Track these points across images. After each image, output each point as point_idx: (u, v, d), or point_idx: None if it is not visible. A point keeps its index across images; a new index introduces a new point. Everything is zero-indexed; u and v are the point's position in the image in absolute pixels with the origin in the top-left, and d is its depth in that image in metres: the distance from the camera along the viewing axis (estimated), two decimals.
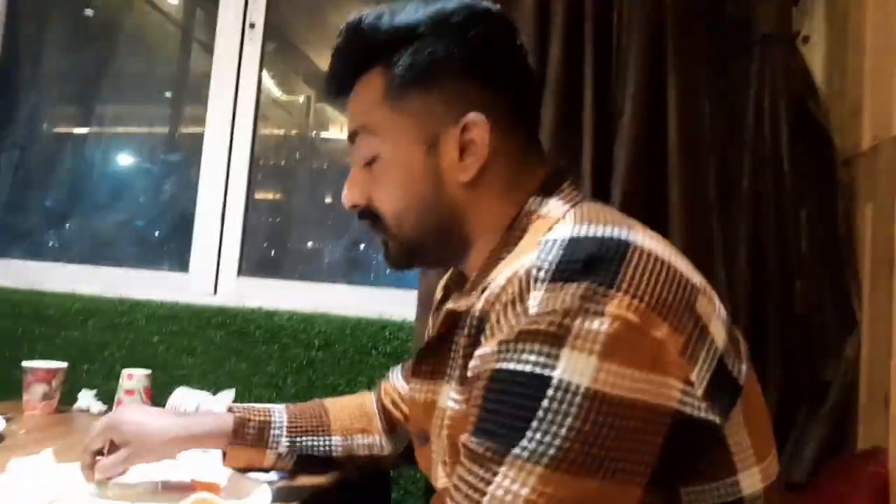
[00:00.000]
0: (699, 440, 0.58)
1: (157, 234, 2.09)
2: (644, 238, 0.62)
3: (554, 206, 0.71)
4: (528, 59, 0.78)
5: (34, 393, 1.47)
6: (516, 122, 0.75)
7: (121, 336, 1.70)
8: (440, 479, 0.73)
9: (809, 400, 1.28)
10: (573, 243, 0.60)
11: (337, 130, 2.22)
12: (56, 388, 1.50)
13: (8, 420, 1.31)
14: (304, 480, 1.10)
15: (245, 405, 1.01)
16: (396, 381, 1.07)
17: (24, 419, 1.42)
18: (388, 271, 1.99)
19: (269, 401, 1.58)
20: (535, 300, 0.57)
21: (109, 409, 1.51)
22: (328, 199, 2.12)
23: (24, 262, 1.91)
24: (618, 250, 0.59)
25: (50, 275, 1.85)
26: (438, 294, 0.93)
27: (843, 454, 1.21)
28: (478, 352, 0.61)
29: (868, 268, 1.29)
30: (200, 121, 1.88)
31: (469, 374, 0.62)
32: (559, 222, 0.67)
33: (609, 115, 1.42)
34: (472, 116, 0.72)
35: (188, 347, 1.67)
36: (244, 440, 0.97)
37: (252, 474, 1.02)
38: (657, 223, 1.34)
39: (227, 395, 1.53)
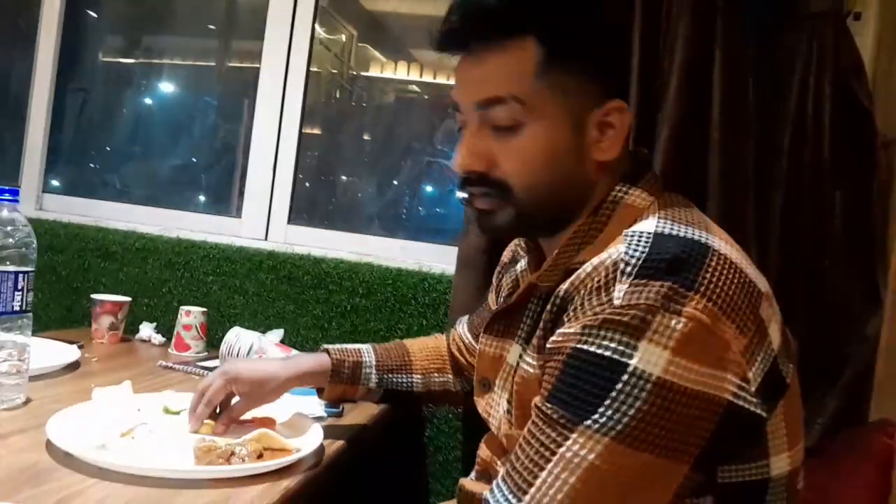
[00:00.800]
0: (744, 429, 0.66)
1: (210, 175, 2.18)
2: (721, 243, 0.69)
3: (638, 197, 0.77)
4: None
5: (102, 323, 1.60)
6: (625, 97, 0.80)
7: (177, 274, 1.82)
8: (502, 426, 0.83)
9: (827, 373, 1.33)
10: (658, 241, 0.67)
11: (377, 70, 2.25)
12: (121, 319, 1.63)
13: (80, 347, 1.43)
14: (350, 419, 1.21)
15: (336, 346, 1.12)
16: (463, 331, 1.17)
17: (94, 347, 1.55)
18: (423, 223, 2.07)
19: (315, 342, 1.70)
20: (621, 292, 0.64)
21: (169, 340, 1.63)
22: (366, 137, 2.17)
23: (90, 201, 2.02)
24: (699, 254, 0.65)
25: (113, 213, 1.96)
26: (507, 257, 1.01)
27: (854, 426, 1.27)
28: (560, 329, 0.68)
29: None
30: (248, 55, 1.91)
31: (549, 346, 0.69)
32: (644, 214, 0.74)
33: (654, 86, 1.44)
34: (617, 102, 0.76)
35: (240, 288, 1.78)
36: (341, 378, 1.09)
37: (305, 413, 1.13)
38: (695, 195, 1.40)
39: (276, 334, 1.64)
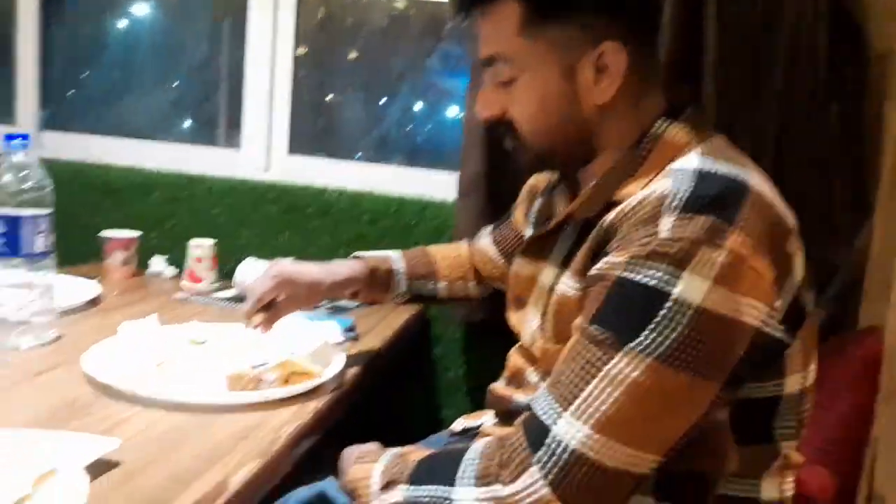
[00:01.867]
0: (769, 353, 0.72)
1: (195, 105, 2.15)
2: (757, 179, 0.73)
3: (679, 133, 0.80)
4: None
5: (115, 258, 1.64)
6: (643, 46, 0.81)
7: (183, 207, 1.84)
8: (537, 340, 0.89)
9: (818, 281, 1.39)
10: (702, 178, 0.71)
11: None
12: (133, 254, 1.67)
13: (99, 282, 1.47)
14: (365, 344, 1.27)
15: (369, 253, 1.21)
16: (486, 244, 1.25)
17: (110, 282, 1.60)
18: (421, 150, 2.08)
19: None
20: (667, 225, 0.68)
21: (180, 273, 1.67)
22: (355, 55, 2.14)
23: (89, 137, 2.02)
24: (738, 191, 0.70)
25: (113, 149, 1.96)
26: (539, 181, 1.08)
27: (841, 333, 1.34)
28: (606, 258, 0.72)
29: (889, 164, 1.36)
30: None
31: (593, 272, 0.74)
32: (686, 150, 0.77)
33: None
34: (609, 44, 0.78)
35: (245, 220, 1.81)
36: (376, 285, 1.17)
37: (325, 339, 1.19)
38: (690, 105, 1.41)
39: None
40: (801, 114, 1.44)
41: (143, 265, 1.75)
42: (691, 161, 0.74)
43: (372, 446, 0.93)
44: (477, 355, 1.71)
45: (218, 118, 2.05)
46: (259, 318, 1.07)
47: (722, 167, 0.73)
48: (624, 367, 0.67)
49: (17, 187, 1.07)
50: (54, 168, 1.87)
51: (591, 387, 0.68)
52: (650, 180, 0.76)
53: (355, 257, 1.19)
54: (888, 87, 1.39)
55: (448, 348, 1.72)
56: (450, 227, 1.64)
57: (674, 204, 0.69)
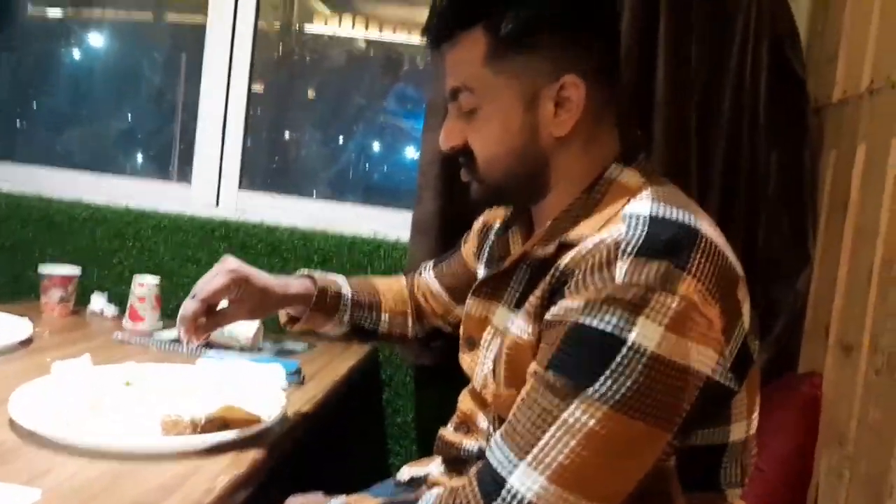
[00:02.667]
0: (718, 401, 0.72)
1: (148, 138, 2.12)
2: (707, 227, 0.74)
3: (631, 177, 0.81)
4: (617, 16, 0.86)
5: (52, 296, 1.58)
6: (602, 87, 0.82)
7: (128, 244, 1.79)
8: (488, 384, 0.87)
9: (760, 326, 1.42)
10: (655, 223, 0.72)
11: (321, 24, 2.19)
12: (71, 292, 1.61)
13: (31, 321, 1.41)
14: (311, 388, 1.24)
15: (317, 272, 1.11)
16: (429, 277, 1.19)
17: (45, 321, 1.53)
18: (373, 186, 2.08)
19: None
20: (622, 270, 0.68)
21: (122, 312, 1.62)
22: (311, 95, 2.13)
23: (31, 168, 1.95)
24: (691, 237, 0.71)
25: (56, 181, 1.90)
26: (488, 218, 1.06)
27: (783, 376, 1.37)
28: (562, 302, 0.72)
29: (826, 210, 1.41)
30: (186, 8, 1.84)
31: (548, 317, 0.74)
32: (638, 195, 0.78)
33: None
34: (570, 77, 0.78)
35: (193, 257, 1.77)
36: (322, 307, 1.08)
37: (267, 382, 1.15)
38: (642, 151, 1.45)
39: None
40: (744, 160, 1.48)
41: (85, 302, 1.69)
42: (644, 206, 0.75)
43: (315, 497, 0.90)
44: (427, 399, 1.69)
45: (172, 153, 2.02)
46: (201, 321, 0.96)
47: (674, 213, 0.74)
48: (581, 415, 0.67)
49: None
50: None
51: (547, 436, 0.68)
52: (605, 224, 0.76)
53: (304, 274, 1.11)
54: (826, 137, 1.44)
55: (397, 392, 1.69)
56: (402, 268, 1.63)
57: (628, 249, 0.70)
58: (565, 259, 0.76)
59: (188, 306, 0.96)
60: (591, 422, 0.66)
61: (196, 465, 0.85)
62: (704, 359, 0.68)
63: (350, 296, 1.13)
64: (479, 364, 0.91)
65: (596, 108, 0.81)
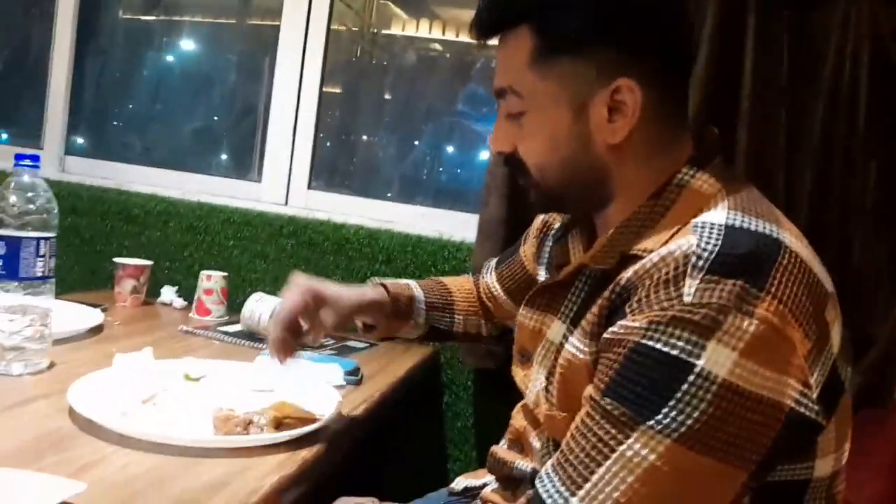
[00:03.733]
0: (803, 436, 0.64)
1: (231, 136, 2.16)
2: (791, 238, 0.66)
3: (705, 182, 0.73)
4: (686, 23, 0.79)
5: (124, 287, 1.62)
6: (665, 89, 0.75)
7: (199, 238, 1.82)
8: (541, 403, 0.81)
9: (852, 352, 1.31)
10: (731, 235, 0.64)
11: (399, 28, 2.19)
12: (143, 283, 1.64)
13: (103, 310, 1.45)
14: (369, 387, 1.21)
15: (388, 280, 1.10)
16: (492, 281, 1.15)
17: (117, 310, 1.57)
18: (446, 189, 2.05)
19: None
20: (692, 288, 0.61)
21: (190, 304, 1.65)
22: (387, 96, 2.13)
23: (112, 164, 2.03)
24: (771, 251, 0.63)
25: (135, 176, 1.97)
26: (552, 220, 0.99)
27: (877, 406, 1.26)
28: (622, 321, 0.65)
29: None
30: (268, 13, 1.87)
31: (607, 335, 0.67)
32: (713, 202, 0.70)
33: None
34: (624, 81, 0.71)
35: (260, 253, 1.78)
36: (397, 312, 1.07)
37: (325, 381, 1.13)
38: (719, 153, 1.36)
39: None
40: (837, 171, 1.38)
41: (156, 294, 1.73)
42: (718, 215, 0.67)
43: (367, 501, 0.87)
44: (488, 406, 1.64)
45: (252, 151, 2.05)
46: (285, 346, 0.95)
47: (752, 222, 0.66)
48: (640, 449, 0.60)
49: (21, 209, 1.05)
50: (76, 192, 1.89)
51: (602, 469, 0.61)
52: (672, 235, 0.69)
53: (376, 283, 1.08)
54: None
55: (458, 396, 1.65)
56: (466, 269, 1.59)
57: (699, 264, 0.62)
58: (628, 273, 0.68)
59: (271, 333, 0.97)
60: (653, 456, 0.60)
61: (246, 463, 0.83)
62: (786, 388, 0.60)
63: (423, 298, 1.11)
64: (532, 380, 0.84)
65: (658, 110, 0.74)
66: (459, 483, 1.05)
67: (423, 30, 2.12)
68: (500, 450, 0.93)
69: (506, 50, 0.78)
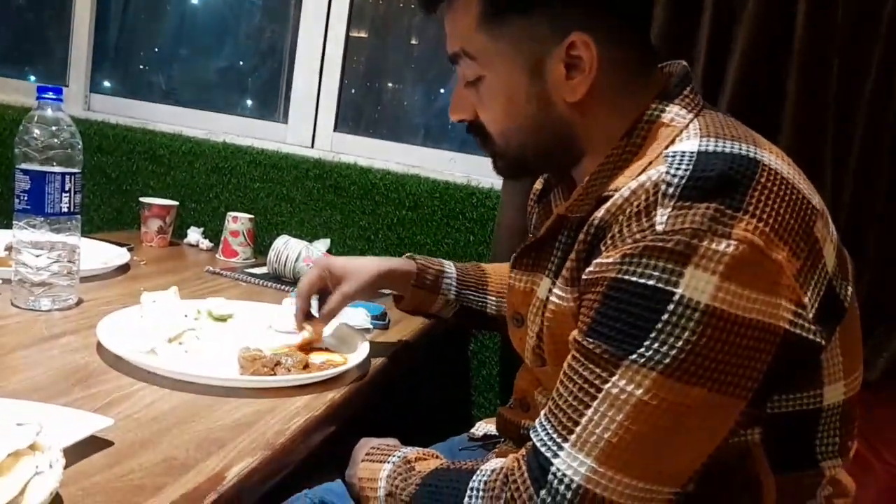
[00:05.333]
0: (801, 359, 0.61)
1: (256, 78, 2.13)
2: (771, 157, 0.62)
3: (676, 114, 0.70)
4: None
5: (151, 226, 1.61)
6: (623, 33, 0.72)
7: (224, 179, 1.80)
8: (536, 363, 0.80)
9: (892, 314, 1.27)
10: (703, 158, 0.61)
11: None
12: (170, 223, 1.64)
13: (130, 249, 1.44)
14: (395, 332, 1.20)
15: (420, 256, 1.10)
16: None
17: (143, 250, 1.57)
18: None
19: (361, 253, 1.69)
20: (663, 216, 0.59)
21: (216, 246, 1.64)
22: (414, 41, 2.08)
23: (137, 102, 2.00)
24: (747, 169, 0.60)
25: (160, 115, 1.94)
26: (539, 185, 0.95)
27: None
28: (597, 259, 0.63)
29: None
30: None
31: (585, 277, 0.65)
32: (684, 132, 0.67)
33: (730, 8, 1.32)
34: (576, 36, 0.69)
35: (286, 196, 1.76)
36: (423, 284, 1.07)
37: (352, 324, 1.12)
38: (769, 121, 1.30)
39: (323, 243, 1.64)
40: (886, 158, 1.30)
41: (182, 235, 1.72)
42: (691, 143, 0.63)
43: (389, 442, 0.86)
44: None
45: (278, 93, 2.01)
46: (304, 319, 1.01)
47: (727, 144, 0.62)
48: (626, 385, 0.58)
49: (45, 143, 1.03)
50: (101, 131, 1.88)
51: (590, 412, 0.60)
52: (644, 169, 0.65)
53: (407, 256, 1.09)
54: None
55: (484, 344, 1.64)
56: (495, 216, 1.56)
57: (669, 191, 0.59)
58: (600, 212, 0.66)
59: (298, 303, 1.01)
60: (639, 391, 0.58)
61: (273, 403, 0.82)
62: (778, 310, 0.58)
63: (454, 275, 1.09)
64: (528, 341, 0.82)
65: (617, 60, 0.71)
66: (480, 428, 1.04)
67: None
68: (507, 411, 0.92)
69: (454, 13, 0.75)
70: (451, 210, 1.63)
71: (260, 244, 1.66)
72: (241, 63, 2.17)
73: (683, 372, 0.57)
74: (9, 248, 1.16)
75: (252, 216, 1.62)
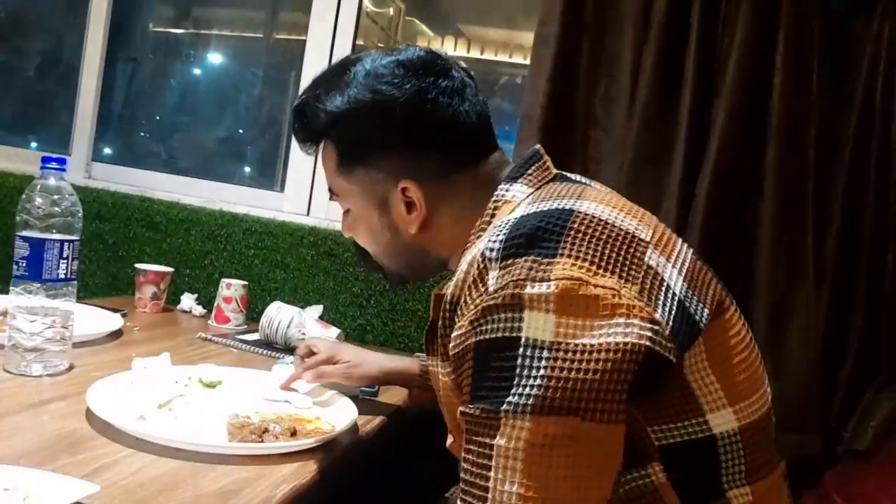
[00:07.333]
0: (657, 379, 0.63)
1: (255, 148, 2.18)
2: (589, 204, 0.69)
3: (518, 190, 0.78)
4: (464, 92, 0.82)
5: (145, 292, 1.63)
6: (452, 164, 0.82)
7: (220, 247, 1.83)
8: (449, 440, 0.85)
9: (883, 375, 1.28)
10: (520, 221, 0.68)
11: (424, 43, 2.20)
12: (164, 289, 1.65)
13: (123, 315, 1.45)
14: (385, 399, 1.20)
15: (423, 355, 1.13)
16: None
17: (137, 316, 1.58)
18: None
19: (353, 319, 1.70)
20: (493, 279, 0.65)
21: (209, 312, 1.65)
22: None
23: (137, 171, 2.04)
24: (559, 220, 0.67)
25: (159, 184, 1.98)
26: None
27: None
28: (454, 333, 0.68)
29: None
30: (295, 28, 1.89)
31: (451, 352, 0.69)
32: (519, 206, 0.74)
33: (712, 67, 1.39)
34: (404, 183, 0.81)
35: (281, 263, 1.78)
36: (428, 386, 1.07)
37: (340, 391, 1.12)
38: (752, 182, 1.35)
39: (316, 310, 1.64)
40: (871, 193, 1.35)
41: (176, 301, 1.73)
42: (516, 212, 0.72)
43: None
44: None
45: (276, 163, 2.06)
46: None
47: (546, 204, 0.70)
48: (511, 434, 0.60)
49: (46, 211, 1.06)
50: (101, 198, 1.91)
51: (492, 473, 0.61)
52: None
53: (417, 356, 1.18)
54: None
55: None
56: None
57: (492, 255, 0.66)
58: (450, 289, 0.72)
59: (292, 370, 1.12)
60: (524, 435, 0.60)
61: (260, 471, 0.82)
62: (632, 329, 0.61)
63: None
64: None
65: (450, 188, 0.82)
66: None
67: (448, 47, 2.13)
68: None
69: (322, 159, 0.88)
70: (441, 277, 1.65)
71: (253, 310, 1.67)
72: (241, 134, 2.23)
73: (552, 407, 0.59)
74: (3, 314, 1.17)
75: (245, 283, 1.63)
